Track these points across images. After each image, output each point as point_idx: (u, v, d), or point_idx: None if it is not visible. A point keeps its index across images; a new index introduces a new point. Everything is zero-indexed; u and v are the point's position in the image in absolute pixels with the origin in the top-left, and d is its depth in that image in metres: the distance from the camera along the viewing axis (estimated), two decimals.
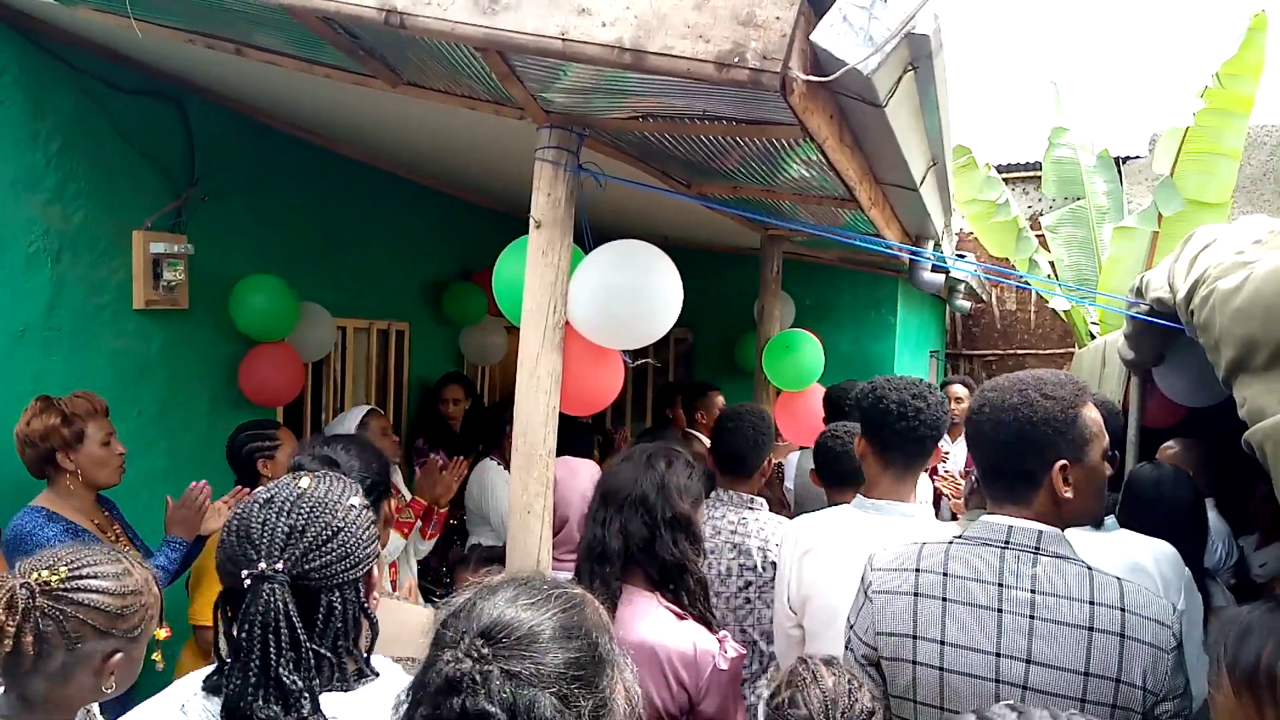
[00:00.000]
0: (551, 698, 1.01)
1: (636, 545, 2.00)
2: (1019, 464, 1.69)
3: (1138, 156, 9.95)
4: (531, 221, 2.42)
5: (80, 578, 1.53)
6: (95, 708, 1.71)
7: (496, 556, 3.20)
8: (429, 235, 5.13)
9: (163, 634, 1.72)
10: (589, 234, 2.58)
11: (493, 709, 0.98)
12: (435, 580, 4.20)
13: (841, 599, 2.13)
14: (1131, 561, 2.25)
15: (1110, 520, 2.39)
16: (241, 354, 3.75)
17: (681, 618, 2.02)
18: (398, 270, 4.90)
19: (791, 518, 2.89)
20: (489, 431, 4.48)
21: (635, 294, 2.48)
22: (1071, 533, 2.27)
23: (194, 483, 2.81)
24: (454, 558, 3.75)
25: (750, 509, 2.84)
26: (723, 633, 2.14)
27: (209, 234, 3.57)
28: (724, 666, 1.98)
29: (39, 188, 2.96)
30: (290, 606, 1.23)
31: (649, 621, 1.96)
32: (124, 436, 2.84)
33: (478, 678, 1.00)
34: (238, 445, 3.17)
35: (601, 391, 2.70)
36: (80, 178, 3.09)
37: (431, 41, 2.13)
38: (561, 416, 2.49)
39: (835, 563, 2.28)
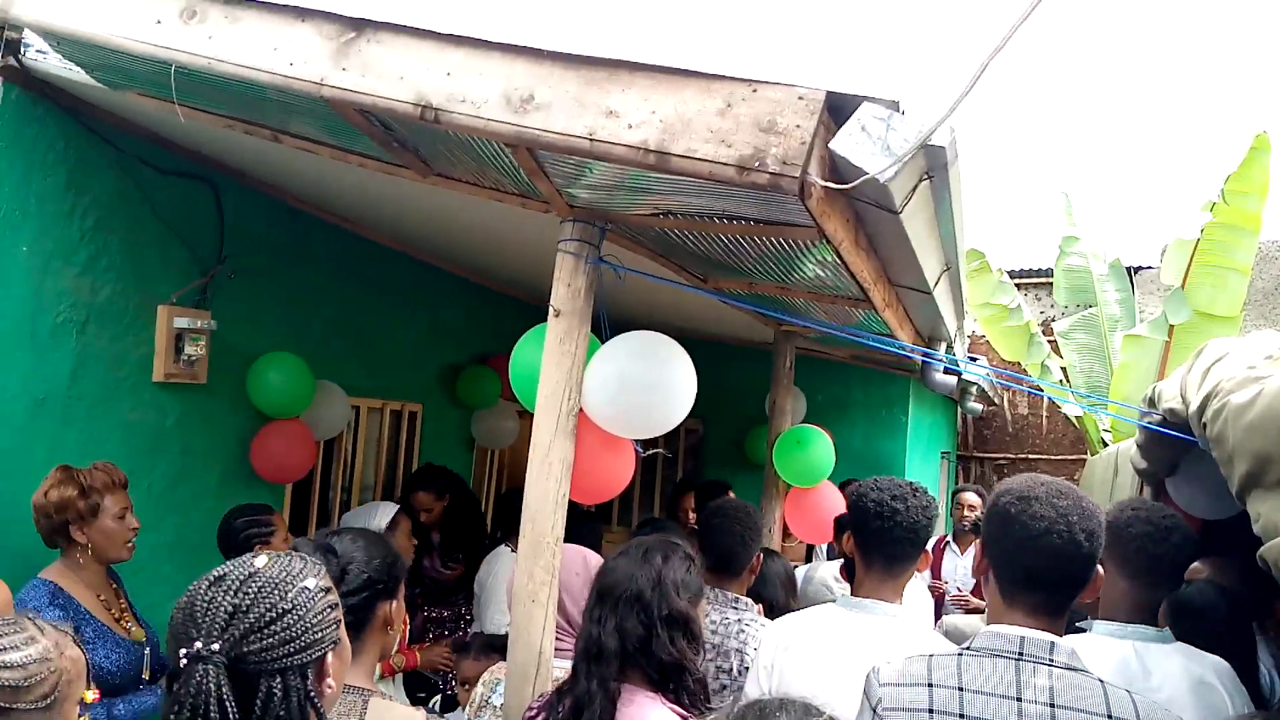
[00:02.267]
0: None
1: (633, 644, 1.92)
2: (1076, 577, 1.69)
3: (1150, 267, 10.06)
4: (551, 310, 2.46)
5: None
6: None
7: (498, 646, 3.16)
8: (447, 319, 5.20)
9: (90, 696, 1.67)
10: (606, 324, 2.62)
11: None
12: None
13: (822, 694, 2.09)
14: (1197, 675, 2.19)
15: (1167, 631, 2.35)
16: (255, 429, 3.77)
17: (685, 719, 1.97)
18: (415, 352, 4.96)
19: None
20: (506, 518, 4.45)
21: (650, 385, 2.50)
22: (1133, 643, 2.25)
23: None
24: (456, 644, 3.69)
25: (735, 608, 2.79)
26: None
27: (233, 311, 3.63)
28: None
29: (71, 260, 3.03)
30: (224, 690, 1.16)
31: None
32: (134, 509, 2.84)
33: None
34: (234, 531, 3.12)
35: (612, 480, 2.70)
36: (112, 252, 3.17)
37: (463, 136, 2.21)
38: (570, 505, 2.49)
39: (816, 659, 2.25)
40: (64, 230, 3.01)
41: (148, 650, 2.75)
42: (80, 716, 1.65)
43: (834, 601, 3.47)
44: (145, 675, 2.73)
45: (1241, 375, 1.86)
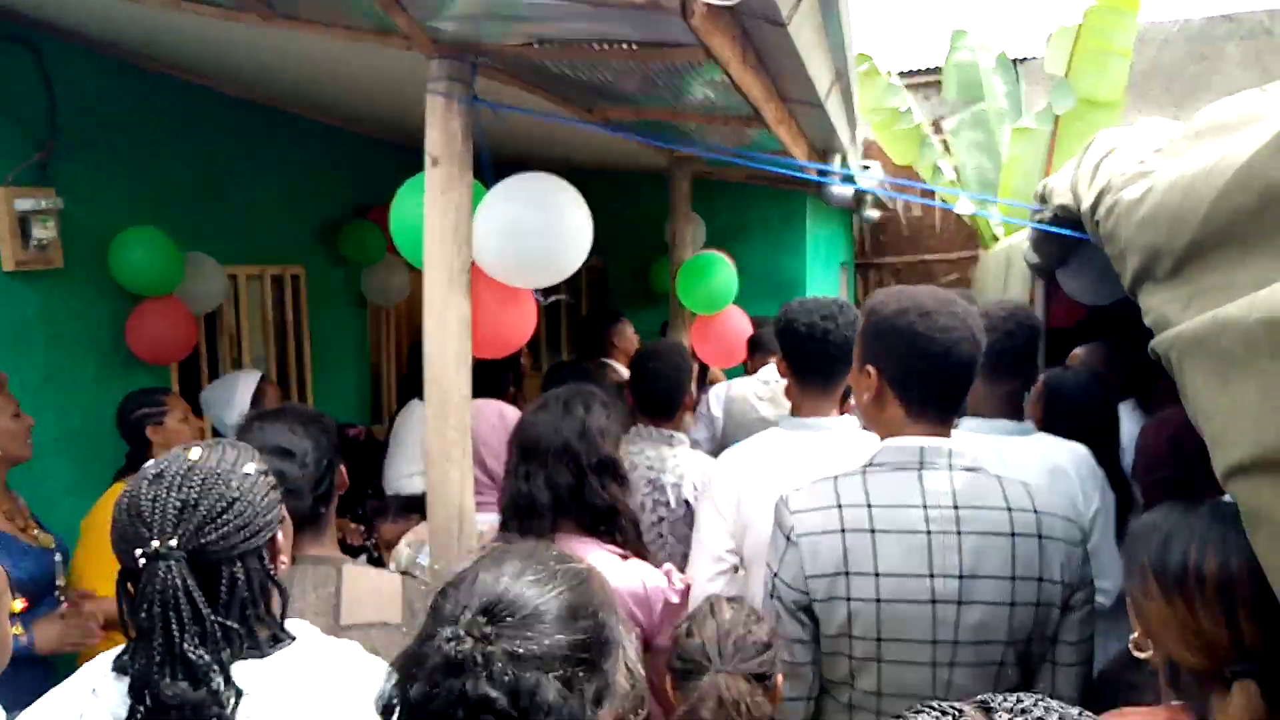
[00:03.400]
0: (556, 681, 0.96)
1: (565, 495, 1.96)
2: (971, 381, 1.73)
3: (1035, 57, 10.06)
4: (427, 159, 2.30)
5: None
6: None
7: (415, 506, 3.14)
8: (319, 172, 4.87)
9: (18, 606, 1.65)
10: (490, 168, 2.46)
11: (495, 694, 0.93)
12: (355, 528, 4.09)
13: None
14: (1052, 463, 2.32)
15: (1028, 423, 2.46)
16: (126, 312, 3.52)
17: (625, 558, 2.00)
18: (288, 211, 4.66)
19: (718, 450, 2.88)
20: (410, 375, 4.34)
21: (543, 231, 2.39)
22: (994, 437, 2.36)
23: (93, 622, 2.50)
24: (372, 509, 3.65)
25: (669, 445, 2.82)
26: (667, 565, 2.13)
27: (80, 187, 3.31)
28: (675, 599, 1.99)
29: None
30: (189, 582, 1.19)
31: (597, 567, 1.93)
32: None
33: (479, 659, 0.95)
34: (126, 413, 3.04)
35: (514, 333, 2.63)
36: None
37: None
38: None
39: (771, 488, 2.28)
40: None
41: (58, 556, 2.64)
42: (13, 626, 1.67)
43: (759, 418, 3.60)
44: (60, 582, 2.62)
45: (1132, 170, 1.85)
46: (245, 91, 4.11)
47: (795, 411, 2.41)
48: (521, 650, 0.96)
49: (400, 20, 2.14)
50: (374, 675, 1.32)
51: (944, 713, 0.77)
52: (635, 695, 1.08)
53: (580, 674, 0.99)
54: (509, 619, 0.99)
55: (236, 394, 3.49)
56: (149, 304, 3.52)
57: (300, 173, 4.69)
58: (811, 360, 2.33)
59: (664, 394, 2.87)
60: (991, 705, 0.76)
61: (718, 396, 3.97)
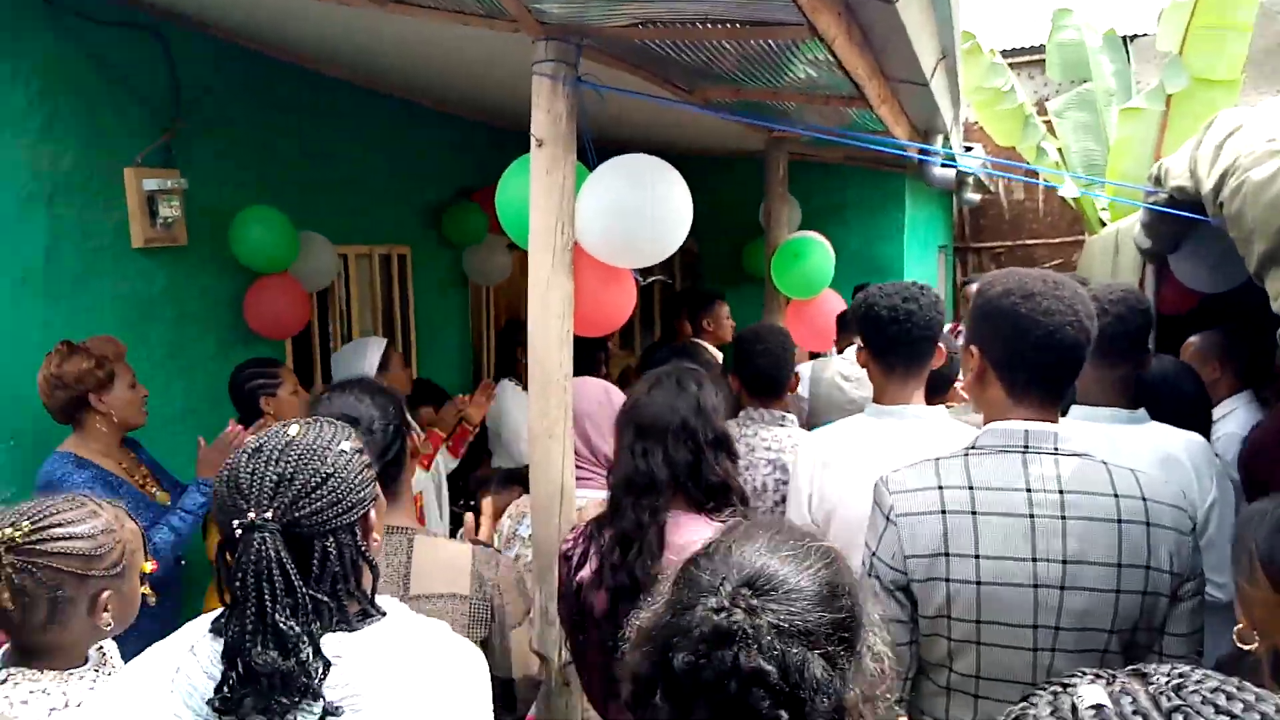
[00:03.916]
0: (820, 658, 0.94)
1: (682, 471, 1.98)
2: (1080, 365, 1.69)
3: (1145, 34, 9.64)
4: (533, 140, 2.35)
5: (44, 528, 1.55)
6: (110, 647, 1.75)
7: (517, 478, 3.23)
8: (426, 155, 5.01)
9: (149, 567, 1.74)
10: (592, 149, 2.50)
11: (769, 668, 0.91)
12: (463, 500, 4.22)
13: (866, 507, 2.14)
14: (1164, 452, 2.24)
15: (1141, 412, 2.38)
16: (245, 288, 3.70)
17: None
18: (396, 193, 4.80)
19: (807, 429, 2.89)
20: (502, 355, 4.48)
21: (644, 211, 2.42)
22: (1106, 425, 2.30)
23: (231, 425, 2.82)
24: (475, 481, 3.77)
25: (782, 425, 2.84)
26: None
27: (202, 167, 3.48)
28: None
29: (23, 130, 2.87)
30: (282, 554, 1.23)
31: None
32: (139, 378, 2.84)
33: (749, 630, 0.93)
34: (240, 383, 3.20)
35: (614, 312, 2.66)
36: (65, 117, 2.99)
37: None
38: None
39: (856, 473, 2.28)
40: (9, 98, 2.83)
41: None
42: (142, 585, 1.73)
43: (847, 400, 3.58)
44: None
45: (1261, 149, 1.78)
46: (356, 76, 4.24)
47: (878, 398, 2.38)
48: (786, 625, 0.94)
49: (509, 3, 2.19)
50: (461, 654, 1.37)
51: (1098, 675, 0.76)
52: (882, 680, 1.05)
53: (840, 653, 0.97)
54: (772, 592, 0.97)
55: (365, 359, 3.65)
56: (266, 281, 3.69)
57: (407, 156, 4.83)
58: (893, 344, 2.30)
59: (771, 374, 2.88)
60: (1147, 673, 0.75)
61: (803, 377, 3.96)
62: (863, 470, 2.27)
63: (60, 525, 1.57)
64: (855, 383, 3.59)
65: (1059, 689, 0.77)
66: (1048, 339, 1.66)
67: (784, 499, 2.71)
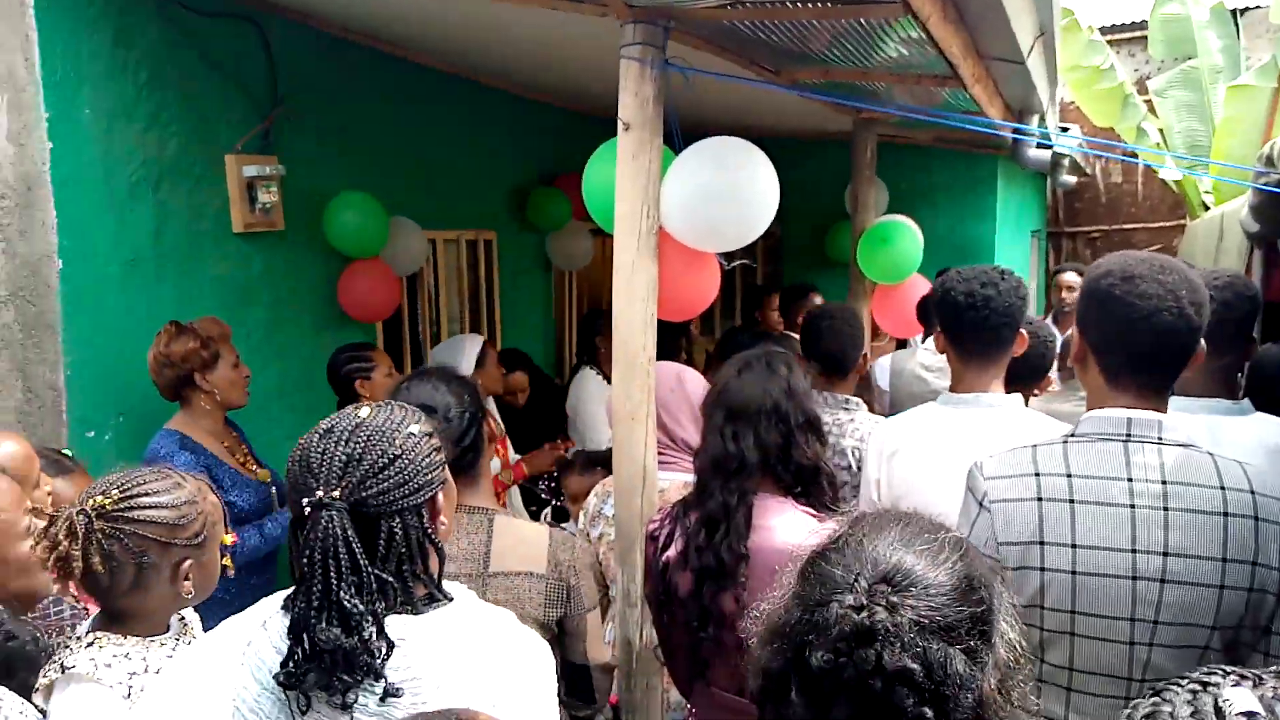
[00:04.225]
0: (961, 653, 0.91)
1: (774, 454, 1.97)
2: (1185, 353, 1.63)
3: (1257, 7, 9.16)
4: (620, 124, 2.35)
5: (132, 497, 1.62)
6: (192, 617, 1.82)
7: (600, 460, 3.26)
8: (511, 141, 5.07)
9: (229, 539, 1.81)
10: (678, 133, 2.50)
11: (914, 666, 0.89)
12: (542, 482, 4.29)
13: (936, 496, 2.10)
14: (1272, 444, 2.14)
15: (1246, 402, 2.28)
16: (338, 272, 3.81)
17: (820, 519, 2.01)
18: (483, 179, 4.88)
19: None
20: (582, 341, 4.53)
21: (730, 195, 2.41)
22: (1210, 416, 2.21)
23: None
24: (559, 463, 3.82)
25: (845, 409, 2.80)
26: None
27: (298, 154, 3.59)
28: None
29: (133, 118, 3.00)
30: (349, 533, 1.23)
31: (792, 526, 1.96)
32: None
33: (891, 628, 0.90)
34: (336, 366, 3.31)
35: (699, 296, 2.66)
36: (171, 105, 3.12)
37: None
38: None
39: (926, 461, 2.26)
40: (121, 88, 2.96)
41: (274, 489, 2.93)
42: (223, 558, 1.80)
43: (930, 391, 3.52)
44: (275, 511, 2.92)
45: None
46: (444, 64, 4.32)
47: (955, 385, 2.34)
48: (927, 621, 0.92)
49: None
50: (526, 644, 1.36)
51: (1243, 676, 0.73)
52: (1018, 665, 1.03)
53: (979, 646, 0.94)
54: (911, 588, 0.94)
55: (463, 355, 3.72)
56: (359, 265, 3.79)
57: (493, 142, 4.90)
58: (972, 330, 2.25)
59: (837, 353, 2.85)
60: None
61: (883, 369, 3.90)
62: (931, 459, 2.25)
63: (147, 495, 1.63)
64: (937, 373, 3.52)
65: (1198, 687, 0.74)
66: (1141, 323, 1.60)
67: (844, 484, 2.69)
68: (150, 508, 1.62)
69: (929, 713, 0.89)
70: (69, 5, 2.79)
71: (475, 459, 1.98)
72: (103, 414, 2.93)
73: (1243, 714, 0.69)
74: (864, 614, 0.92)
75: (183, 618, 1.79)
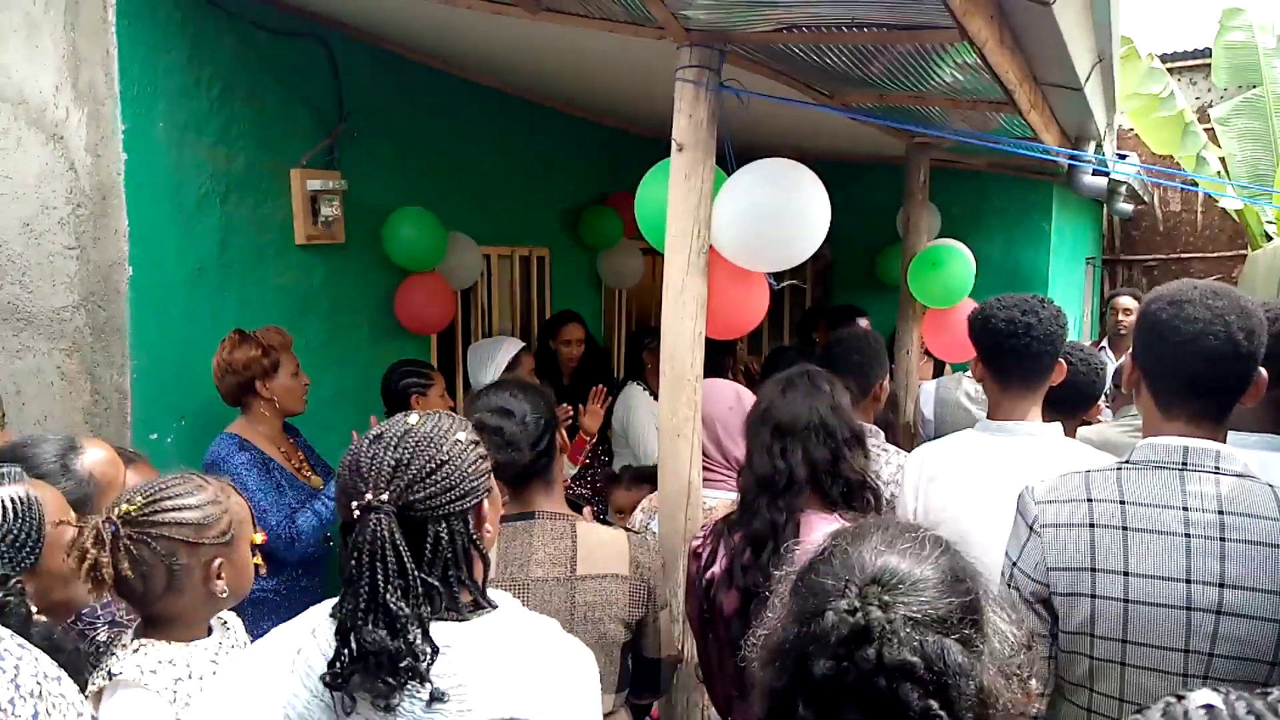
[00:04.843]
0: (956, 643, 0.96)
1: (823, 469, 1.99)
2: (1236, 380, 1.61)
3: None
4: (673, 144, 2.39)
5: (156, 501, 1.65)
6: (233, 619, 1.85)
7: (647, 476, 3.28)
8: (566, 160, 5.14)
9: (259, 538, 1.83)
10: (731, 154, 2.53)
11: (914, 659, 0.92)
12: (588, 498, 4.32)
13: (971, 523, 2.08)
14: None
15: None
16: (396, 284, 3.89)
17: None
18: (537, 196, 4.95)
19: None
20: (631, 357, 4.57)
21: (781, 215, 2.43)
22: (1258, 453, 2.16)
23: (372, 420, 2.99)
24: (605, 476, 3.85)
25: None
26: None
27: (360, 169, 3.68)
28: None
29: (204, 132, 3.11)
30: (397, 536, 1.25)
31: None
32: None
33: (887, 625, 0.94)
34: (394, 380, 3.37)
35: (747, 315, 2.68)
36: (241, 120, 3.22)
37: None
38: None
39: (963, 487, 2.25)
40: (194, 103, 3.07)
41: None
42: (254, 557, 1.83)
43: (974, 422, 3.48)
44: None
45: None
46: (501, 83, 4.40)
47: (992, 413, 2.34)
48: (920, 615, 0.96)
49: (656, 10, 2.24)
50: (571, 653, 1.37)
51: (1215, 689, 0.75)
52: (1016, 654, 1.05)
53: (972, 635, 0.98)
54: (900, 586, 0.98)
55: (497, 356, 3.79)
56: (416, 278, 3.87)
57: (548, 160, 4.97)
58: (1013, 358, 2.25)
59: (848, 374, 2.79)
60: (1269, 691, 0.73)
61: (928, 396, 3.86)
62: (968, 486, 2.24)
63: (170, 499, 1.67)
64: (981, 403, 3.49)
65: (1173, 700, 0.77)
66: (1189, 345, 1.59)
67: None
68: (175, 509, 1.66)
69: (935, 705, 0.92)
70: (149, 23, 2.91)
71: (549, 463, 2.04)
72: (166, 417, 3.03)
73: (1202, 707, 0.72)
74: (859, 615, 0.95)
75: (224, 620, 1.82)
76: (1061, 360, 2.31)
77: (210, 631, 1.77)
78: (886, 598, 0.96)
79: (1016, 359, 2.25)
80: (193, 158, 3.08)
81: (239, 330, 2.89)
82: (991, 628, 1.03)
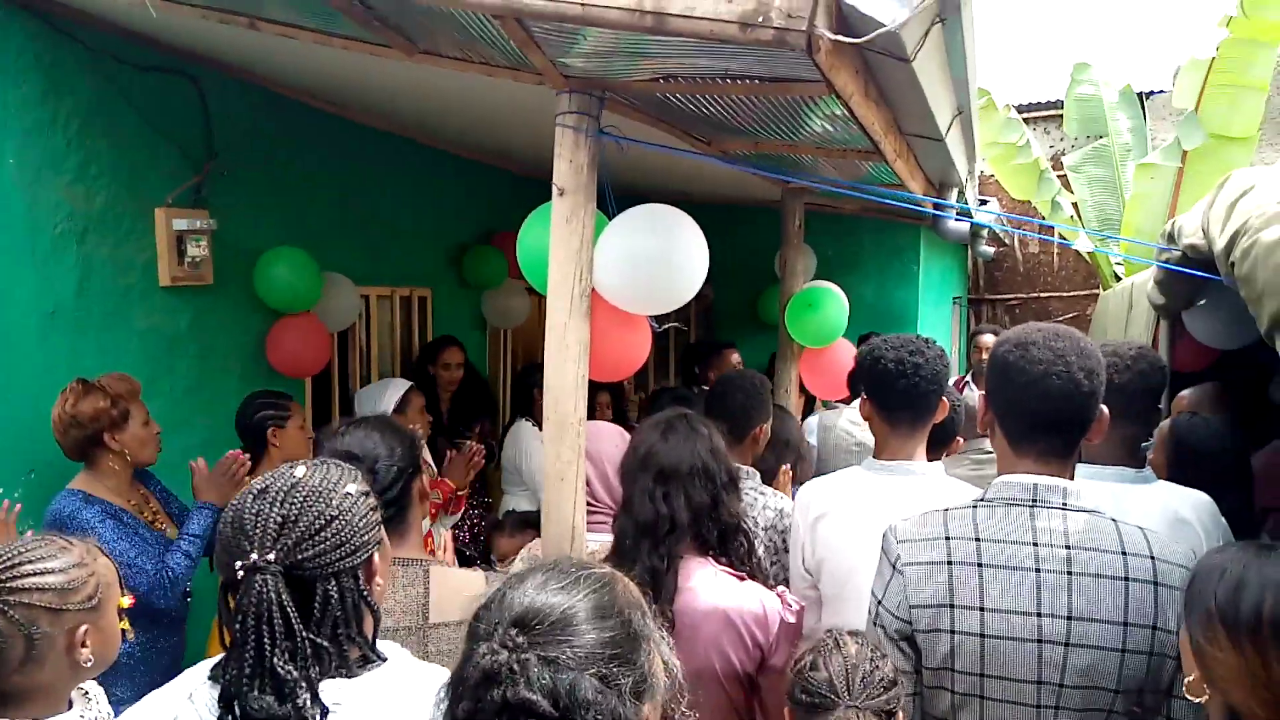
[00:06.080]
0: (591, 679, 0.99)
1: (703, 513, 1.99)
2: (1080, 417, 1.69)
3: (1162, 91, 9.73)
4: (554, 189, 2.40)
5: (13, 566, 1.54)
6: (95, 690, 1.72)
7: (531, 521, 3.25)
8: (448, 200, 5.11)
9: (126, 602, 1.73)
10: (612, 198, 2.56)
11: (534, 696, 0.96)
12: (471, 546, 4.25)
13: (857, 560, 2.15)
14: (1173, 513, 2.21)
15: (1148, 471, 2.37)
16: (268, 327, 3.77)
17: (741, 579, 2.03)
18: (418, 236, 4.89)
19: (818, 474, 2.89)
20: (518, 395, 4.55)
21: (662, 259, 2.46)
22: (1112, 485, 2.29)
23: (231, 451, 2.86)
24: (489, 524, 3.80)
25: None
26: (780, 588, 2.16)
27: (230, 208, 3.57)
28: (791, 620, 2.00)
29: (61, 170, 2.96)
30: (284, 597, 1.21)
31: (715, 587, 1.97)
32: (157, 414, 2.89)
33: (515, 667, 0.98)
34: (250, 413, 3.19)
35: (630, 357, 2.70)
36: (101, 158, 3.09)
37: (446, 9, 2.10)
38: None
39: (849, 525, 2.30)
40: (49, 139, 2.93)
41: None
42: (121, 621, 1.72)
43: (856, 443, 3.57)
44: None
45: (1272, 210, 1.81)
46: (382, 122, 4.35)
47: (879, 452, 2.39)
48: (554, 654, 1.00)
49: (535, 58, 2.25)
50: None
51: None
52: (676, 686, 1.11)
53: (615, 669, 1.02)
54: (539, 627, 1.02)
55: (384, 398, 3.70)
56: (289, 320, 3.75)
57: (430, 199, 4.93)
58: (901, 397, 2.31)
59: (729, 416, 2.81)
60: None
61: (810, 427, 3.96)
62: (854, 524, 2.28)
63: (30, 563, 1.55)
64: (864, 425, 3.59)
65: None
66: (1033, 386, 1.67)
67: None
68: (36, 574, 1.54)
69: None
70: None
71: (400, 513, 1.94)
72: (14, 470, 2.84)
73: None
74: (489, 658, 1.00)
75: (85, 690, 1.69)
76: (945, 399, 2.39)
77: (71, 705, 1.63)
78: (522, 639, 1.00)
79: (906, 399, 2.31)
80: (48, 196, 2.93)
81: (81, 380, 2.69)
82: (649, 659, 1.07)
